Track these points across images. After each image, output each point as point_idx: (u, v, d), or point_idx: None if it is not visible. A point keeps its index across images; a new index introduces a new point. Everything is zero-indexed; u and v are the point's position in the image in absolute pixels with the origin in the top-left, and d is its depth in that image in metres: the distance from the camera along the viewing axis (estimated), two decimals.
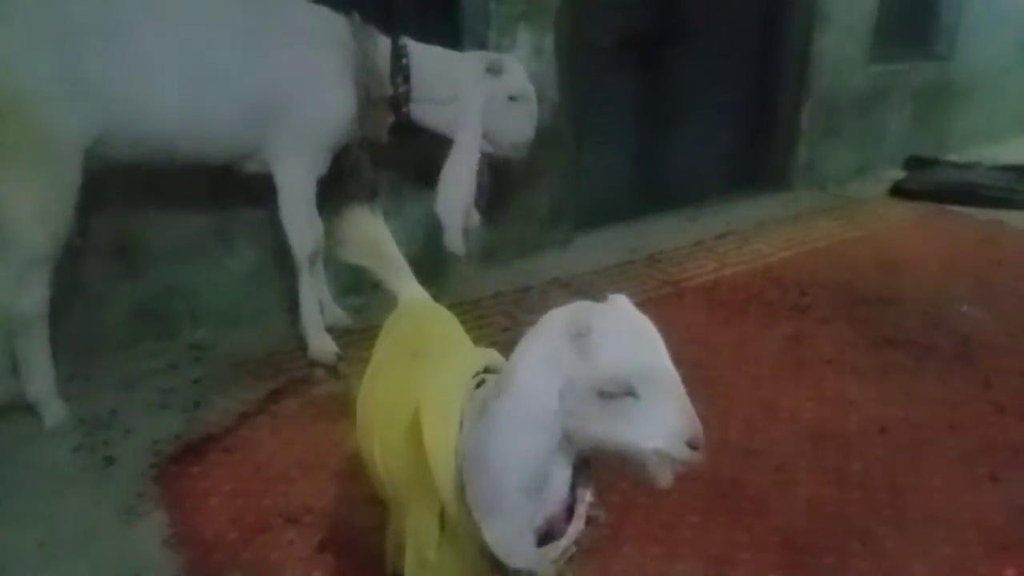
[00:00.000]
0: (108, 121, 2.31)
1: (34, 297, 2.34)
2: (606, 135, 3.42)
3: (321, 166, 2.81)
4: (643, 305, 1.09)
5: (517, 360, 1.12)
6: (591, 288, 3.44)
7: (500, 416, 1.10)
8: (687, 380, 1.14)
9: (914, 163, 5.45)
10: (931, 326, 3.13)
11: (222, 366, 2.80)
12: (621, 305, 1.15)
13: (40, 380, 2.44)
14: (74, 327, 2.71)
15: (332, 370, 2.81)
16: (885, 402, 2.59)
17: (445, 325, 1.58)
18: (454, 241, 2.95)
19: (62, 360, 2.68)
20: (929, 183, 4.98)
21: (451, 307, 3.30)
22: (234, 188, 2.87)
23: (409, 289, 1.71)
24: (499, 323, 3.14)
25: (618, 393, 1.06)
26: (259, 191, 2.84)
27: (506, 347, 2.90)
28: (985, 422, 2.50)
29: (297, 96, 2.63)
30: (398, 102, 2.84)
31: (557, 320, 1.12)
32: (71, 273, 2.65)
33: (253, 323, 3.05)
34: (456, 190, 2.90)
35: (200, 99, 2.45)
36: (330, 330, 2.96)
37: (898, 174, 5.25)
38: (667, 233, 3.83)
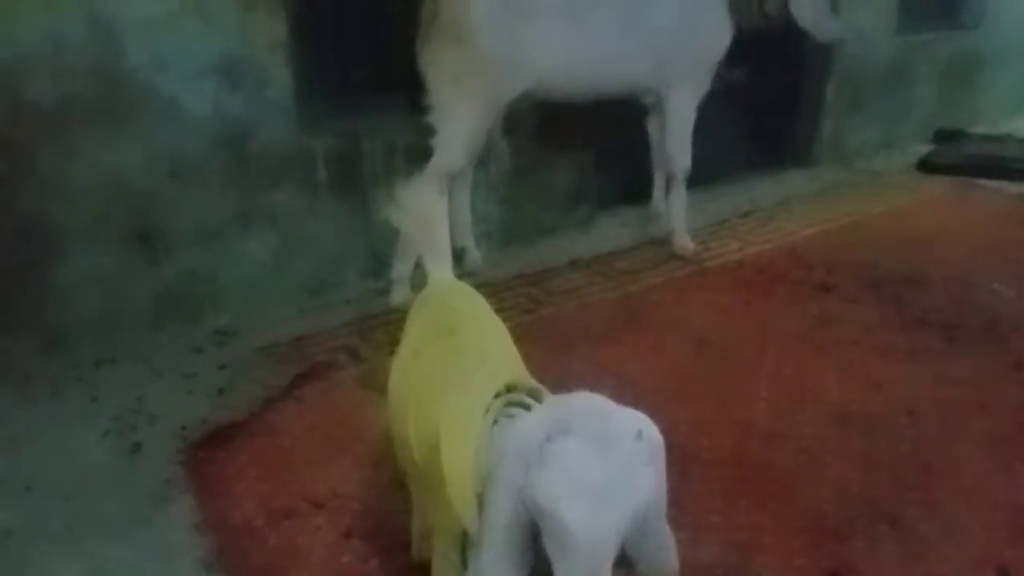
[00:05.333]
0: (544, 72, 2.91)
1: (439, 200, 2.73)
2: (625, 112, 3.38)
3: (703, 88, 3.33)
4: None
5: (489, 486, 1.12)
6: (610, 269, 3.42)
7: (480, 547, 1.11)
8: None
9: (942, 136, 5.32)
10: (960, 305, 3.08)
11: (246, 351, 2.81)
12: (585, 423, 1.05)
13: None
14: (98, 312, 2.74)
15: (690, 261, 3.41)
16: (913, 383, 2.56)
17: (475, 304, 1.61)
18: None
19: (87, 345, 2.73)
20: (957, 156, 4.87)
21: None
22: (252, 170, 2.87)
23: (440, 270, 1.73)
24: (520, 305, 3.13)
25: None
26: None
27: (528, 329, 2.92)
28: (1016, 404, 2.46)
29: (689, 30, 3.14)
30: None
31: (518, 439, 1.09)
32: (96, 256, 2.68)
33: (277, 308, 3.05)
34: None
35: (622, 46, 3.02)
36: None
37: (925, 148, 5.15)
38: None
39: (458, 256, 3.21)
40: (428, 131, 3.05)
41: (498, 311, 3.13)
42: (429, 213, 1.75)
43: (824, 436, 2.31)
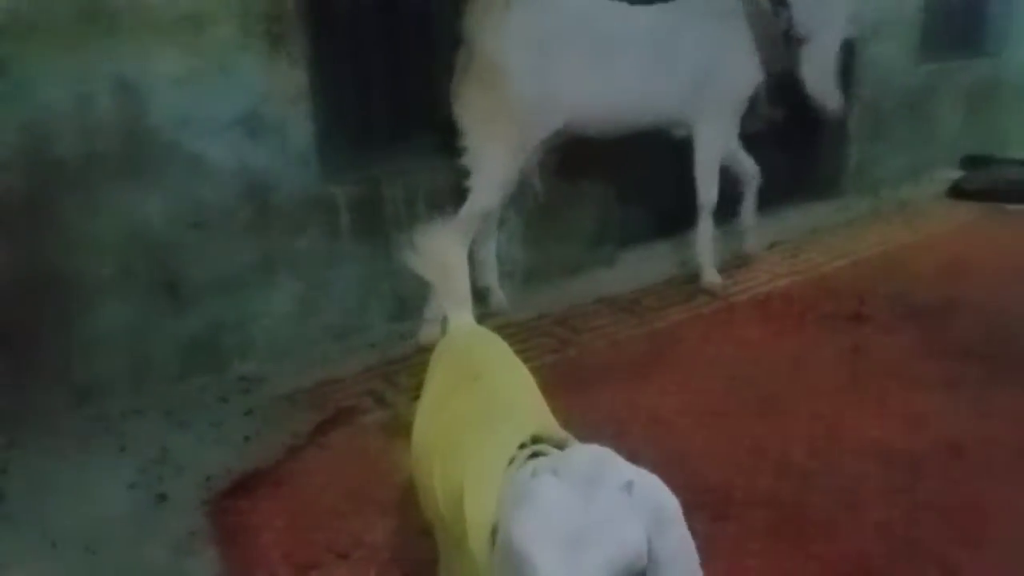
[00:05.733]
0: (576, 111, 2.98)
1: (465, 243, 2.70)
2: (647, 147, 3.38)
3: (732, 128, 3.45)
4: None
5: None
6: (637, 306, 3.38)
7: None
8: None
9: (970, 162, 5.25)
10: (998, 333, 2.99)
11: (271, 398, 2.80)
12: (575, 467, 1.00)
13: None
14: (125, 363, 2.75)
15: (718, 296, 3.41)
16: (956, 417, 2.47)
17: (498, 350, 1.59)
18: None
19: (115, 396, 2.73)
20: (988, 182, 4.79)
21: (495, 329, 3.25)
22: (275, 219, 2.90)
23: (461, 316, 1.71)
24: (545, 345, 3.09)
25: None
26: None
27: (554, 369, 2.87)
28: None
29: (716, 68, 3.22)
30: (788, 28, 3.30)
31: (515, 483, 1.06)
32: (121, 308, 2.71)
33: (302, 354, 3.05)
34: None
35: (652, 83, 3.12)
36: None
37: (953, 175, 5.07)
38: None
39: (482, 296, 3.21)
40: (449, 174, 3.09)
41: (523, 351, 3.10)
42: (448, 258, 1.74)
43: (864, 474, 2.23)
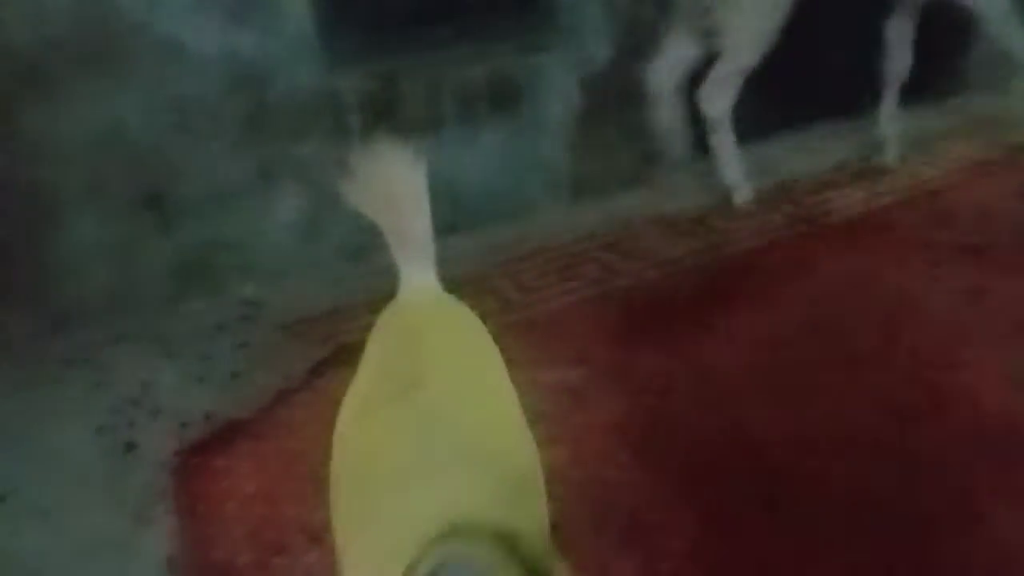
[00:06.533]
0: None
1: (727, 101, 2.83)
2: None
3: None
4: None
5: None
6: (704, 228, 2.84)
7: None
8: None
9: None
10: None
11: (269, 328, 2.46)
12: None
13: (732, 167, 2.95)
14: (107, 287, 2.44)
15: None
16: None
17: (462, 338, 1.12)
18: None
19: (96, 322, 2.44)
20: None
21: (534, 253, 2.73)
22: (272, 119, 2.47)
23: (418, 274, 1.25)
24: (589, 273, 2.61)
25: None
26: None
27: (595, 305, 2.43)
28: None
29: None
30: None
31: None
32: (98, 225, 2.38)
33: (306, 277, 2.68)
34: None
35: None
36: None
37: None
38: (803, 155, 3.15)
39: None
40: (481, 66, 2.59)
41: (563, 280, 2.66)
42: (401, 187, 1.27)
43: (976, 461, 1.73)
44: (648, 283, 2.53)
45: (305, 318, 2.50)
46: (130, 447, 2.02)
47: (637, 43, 2.83)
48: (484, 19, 2.65)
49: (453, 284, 2.76)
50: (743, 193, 2.97)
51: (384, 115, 2.63)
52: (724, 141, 2.91)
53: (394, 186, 1.27)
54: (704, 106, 2.83)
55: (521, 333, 2.31)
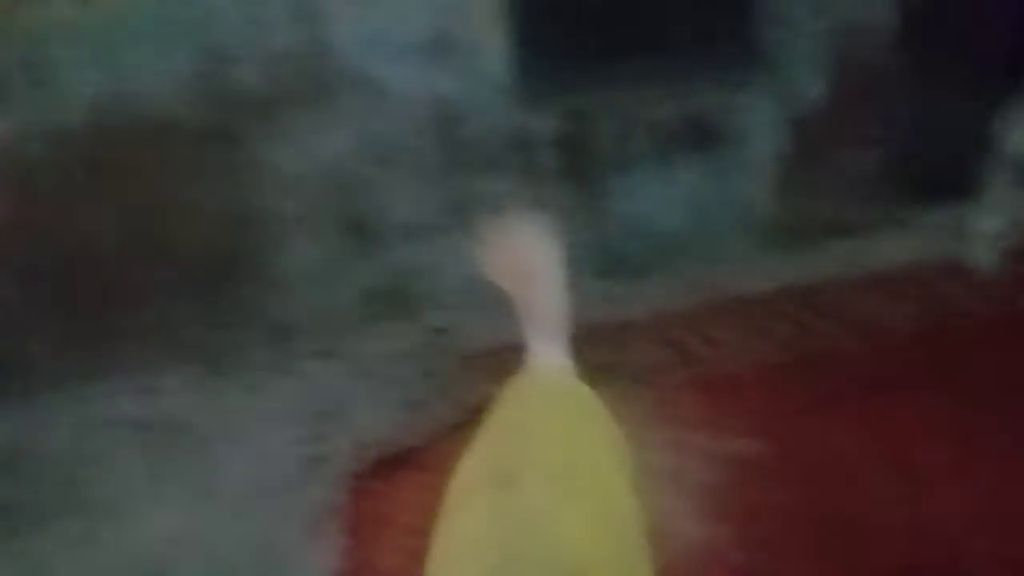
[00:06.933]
0: None
1: None
2: (957, 68, 2.44)
3: None
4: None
5: None
6: (922, 291, 2.51)
7: None
8: None
9: None
10: None
11: (453, 358, 2.55)
12: None
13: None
14: (315, 304, 2.66)
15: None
16: None
17: (576, 426, 1.07)
18: None
19: (303, 336, 2.66)
20: None
21: (724, 303, 2.56)
22: (467, 156, 2.56)
23: (545, 350, 1.21)
24: (781, 332, 2.42)
25: None
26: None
27: (783, 371, 2.25)
28: None
29: None
30: None
31: None
32: (310, 248, 2.60)
33: (494, 309, 2.74)
34: None
35: None
36: None
37: None
38: None
39: None
40: (681, 104, 2.50)
41: (752, 338, 2.48)
42: (536, 263, 1.24)
43: None
44: (848, 350, 2.28)
45: (488, 351, 2.55)
46: (317, 460, 2.18)
47: (851, 82, 2.58)
48: (682, 54, 2.55)
49: (632, 330, 2.69)
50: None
51: (577, 153, 2.64)
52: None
53: (527, 261, 1.24)
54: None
55: (699, 392, 2.20)
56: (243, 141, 2.46)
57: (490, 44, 2.48)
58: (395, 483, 2.04)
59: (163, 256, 2.52)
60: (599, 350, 2.44)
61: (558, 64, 2.59)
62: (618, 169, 2.62)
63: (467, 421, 2.20)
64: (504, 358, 2.45)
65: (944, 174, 2.71)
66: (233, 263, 2.57)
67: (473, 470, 1.05)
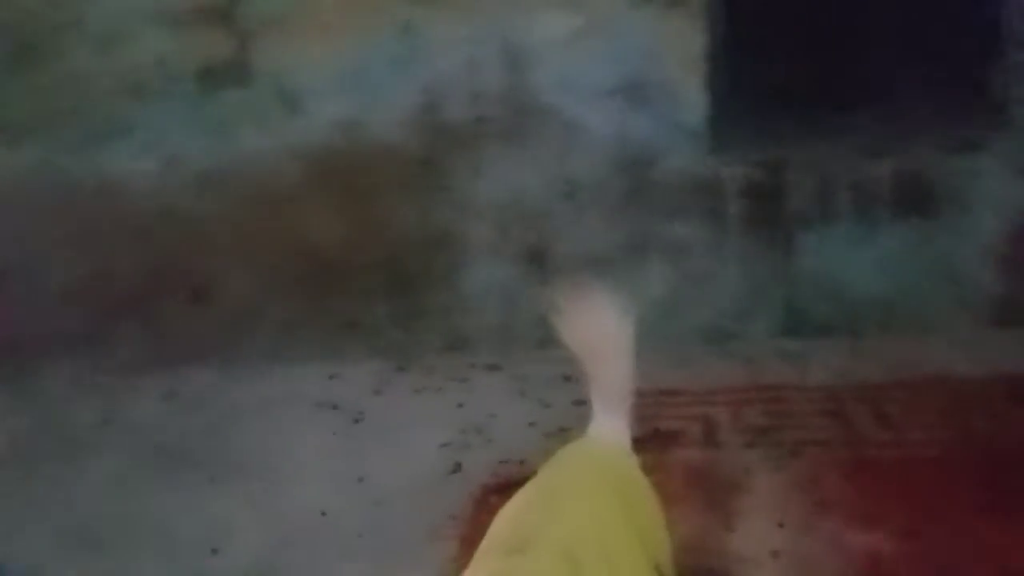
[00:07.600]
0: None
1: None
2: None
3: None
4: None
5: None
6: None
7: None
8: None
9: None
10: None
11: None
12: None
13: None
14: (494, 322, 2.84)
15: None
16: None
17: (605, 501, 1.06)
18: None
19: (479, 350, 2.85)
20: None
21: (905, 384, 2.35)
22: (653, 197, 2.58)
23: (605, 421, 1.26)
24: (975, 423, 2.12)
25: None
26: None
27: (959, 464, 1.99)
28: None
29: None
30: None
31: None
32: (494, 270, 2.78)
33: (658, 352, 2.70)
34: None
35: None
36: None
37: None
38: None
39: None
40: (889, 162, 2.31)
41: (937, 425, 2.23)
42: (610, 338, 1.30)
43: None
44: None
45: (642, 391, 2.55)
46: (457, 467, 2.34)
47: None
48: (906, 107, 2.35)
49: (799, 394, 2.54)
50: None
51: (768, 205, 2.54)
52: None
53: (600, 336, 1.28)
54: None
55: (850, 474, 2.02)
56: (448, 169, 2.72)
57: (686, 88, 2.49)
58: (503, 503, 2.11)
59: (371, 262, 2.85)
60: (758, 411, 2.35)
61: (758, 110, 2.53)
62: (812, 225, 2.47)
63: None
64: (648, 403, 2.47)
65: None
66: (427, 275, 2.83)
67: (500, 530, 1.08)
